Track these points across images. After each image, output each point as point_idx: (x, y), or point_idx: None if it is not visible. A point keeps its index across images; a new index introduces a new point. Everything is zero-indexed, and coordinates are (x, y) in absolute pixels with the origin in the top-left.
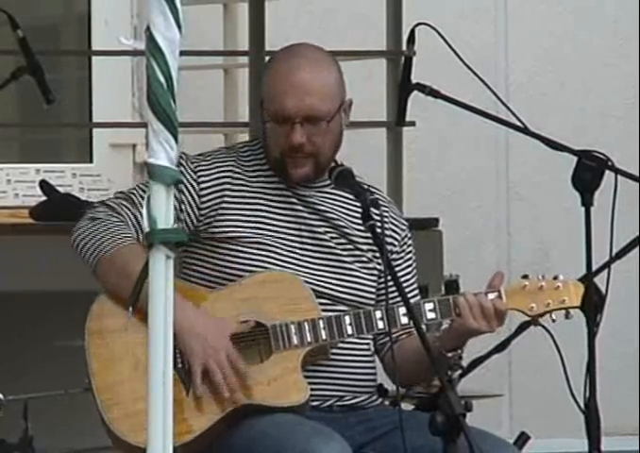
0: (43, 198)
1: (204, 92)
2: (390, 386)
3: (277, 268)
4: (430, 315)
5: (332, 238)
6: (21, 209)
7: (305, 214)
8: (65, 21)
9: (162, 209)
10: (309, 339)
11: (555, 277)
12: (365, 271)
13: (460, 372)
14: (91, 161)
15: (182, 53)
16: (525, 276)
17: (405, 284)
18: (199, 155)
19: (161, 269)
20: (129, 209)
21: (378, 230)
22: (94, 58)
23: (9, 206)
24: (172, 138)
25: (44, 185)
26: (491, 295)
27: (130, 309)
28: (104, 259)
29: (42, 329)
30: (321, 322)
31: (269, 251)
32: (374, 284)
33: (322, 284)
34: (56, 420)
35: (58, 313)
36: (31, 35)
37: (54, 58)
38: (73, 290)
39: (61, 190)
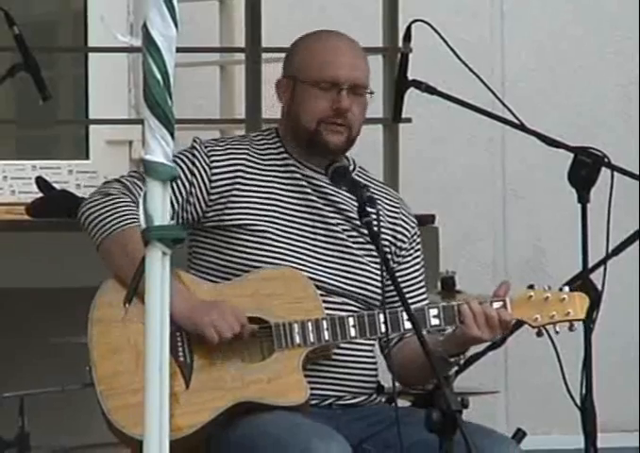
0: (40, 195)
1: (200, 89)
2: (387, 383)
3: (288, 257)
4: (434, 321)
5: (344, 230)
6: (17, 205)
7: (318, 205)
8: (61, 17)
9: (159, 205)
10: (311, 339)
11: (561, 289)
12: (375, 265)
13: (456, 369)
14: (87, 158)
15: (178, 49)
16: (531, 286)
17: (413, 281)
18: (213, 140)
19: (158, 265)
20: (142, 190)
21: (376, 230)
22: (91, 55)
23: (6, 202)
24: (168, 134)
25: (41, 182)
26: (496, 305)
27: (127, 305)
28: (110, 237)
29: (38, 326)
30: (324, 322)
31: (280, 241)
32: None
33: (331, 277)
34: (52, 417)
35: (54, 310)
36: (27, 32)
37: (50, 54)
38: (70, 287)
39: (58, 186)
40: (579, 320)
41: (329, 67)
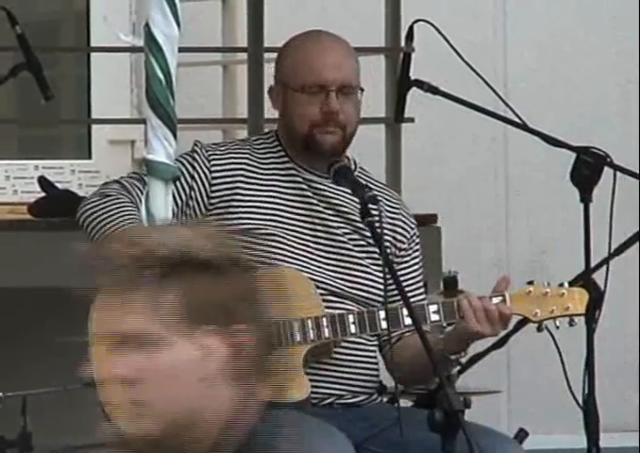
0: (42, 194)
1: (202, 89)
2: (389, 383)
3: (289, 260)
4: (434, 317)
5: (345, 233)
6: (19, 205)
7: (319, 208)
8: (64, 17)
9: (161, 204)
10: (312, 336)
11: (561, 284)
12: (376, 268)
13: (458, 368)
14: (89, 158)
15: (181, 49)
16: (530, 282)
17: (411, 281)
18: (214, 144)
19: None
20: (141, 191)
21: (378, 229)
22: (93, 55)
23: (8, 202)
24: (170, 134)
25: (43, 181)
26: (495, 300)
27: None
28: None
29: (41, 326)
30: (324, 320)
31: (281, 243)
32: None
33: (332, 280)
34: (55, 416)
35: (57, 310)
36: (30, 31)
37: (52, 54)
38: (72, 287)
39: (60, 186)
40: (578, 315)
41: (315, 71)
